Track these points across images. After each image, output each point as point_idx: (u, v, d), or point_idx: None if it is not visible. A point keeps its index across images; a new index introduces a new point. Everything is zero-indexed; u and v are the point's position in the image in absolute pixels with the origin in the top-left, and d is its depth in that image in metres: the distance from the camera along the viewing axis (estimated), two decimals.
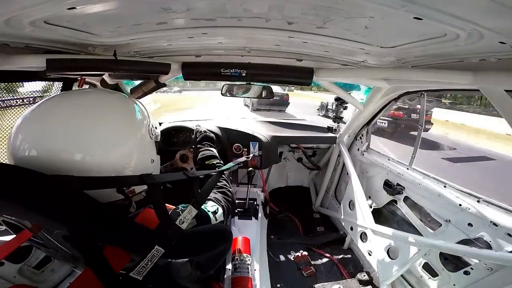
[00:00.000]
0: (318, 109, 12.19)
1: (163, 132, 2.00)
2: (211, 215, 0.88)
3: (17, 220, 0.70)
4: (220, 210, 0.93)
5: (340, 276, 1.97)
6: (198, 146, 1.36)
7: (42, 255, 1.43)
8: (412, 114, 8.03)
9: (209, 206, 0.90)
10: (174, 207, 0.81)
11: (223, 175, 1.13)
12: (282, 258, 2.13)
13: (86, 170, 0.67)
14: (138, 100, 0.92)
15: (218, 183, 1.08)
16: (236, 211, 2.13)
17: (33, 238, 0.75)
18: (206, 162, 1.24)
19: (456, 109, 13.44)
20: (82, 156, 0.67)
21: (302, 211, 2.88)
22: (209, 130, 1.49)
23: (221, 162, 1.29)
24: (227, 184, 1.12)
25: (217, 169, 1.17)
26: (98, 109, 0.74)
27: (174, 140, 2.06)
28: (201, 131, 1.47)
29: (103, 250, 0.61)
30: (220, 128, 2.31)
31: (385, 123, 8.03)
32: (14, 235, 0.76)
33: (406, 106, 7.98)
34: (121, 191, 0.74)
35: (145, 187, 0.81)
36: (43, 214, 0.59)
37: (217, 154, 1.34)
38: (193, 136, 1.47)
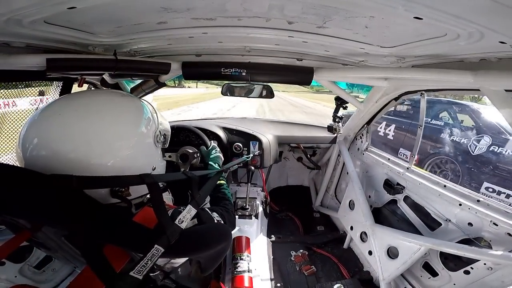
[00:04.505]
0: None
1: None
2: (215, 220, 0.90)
3: (17, 220, 0.70)
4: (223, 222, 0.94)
5: (340, 275, 1.97)
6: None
7: (43, 254, 1.43)
8: None
9: (216, 216, 0.91)
10: (175, 206, 0.81)
11: (226, 192, 1.16)
12: (282, 257, 2.13)
13: (90, 171, 0.67)
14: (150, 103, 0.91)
15: (223, 201, 1.11)
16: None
17: (33, 238, 0.75)
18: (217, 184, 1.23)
19: None
20: (86, 157, 0.68)
21: (302, 210, 2.88)
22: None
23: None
24: (230, 202, 1.13)
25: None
26: (104, 111, 0.75)
27: (174, 140, 2.06)
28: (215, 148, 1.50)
29: (103, 249, 0.61)
30: (220, 127, 2.31)
31: None
32: (14, 235, 0.76)
33: None
34: (116, 194, 0.74)
35: (142, 192, 0.81)
36: (44, 213, 0.59)
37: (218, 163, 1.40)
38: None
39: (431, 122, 4.81)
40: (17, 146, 0.72)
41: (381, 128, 5.64)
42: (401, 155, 5.02)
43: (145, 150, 0.81)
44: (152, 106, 0.90)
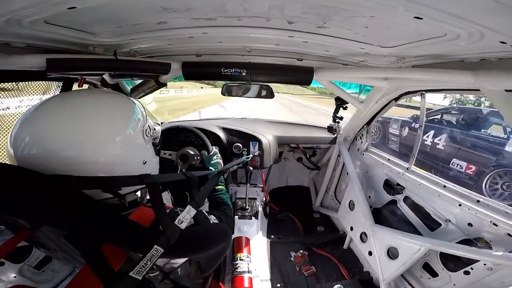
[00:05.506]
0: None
1: (163, 131, 2.00)
2: (211, 222, 0.89)
3: (17, 220, 0.70)
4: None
5: (340, 276, 1.97)
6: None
7: (42, 255, 1.43)
8: None
9: (212, 219, 0.91)
10: (172, 207, 0.81)
11: (225, 197, 1.16)
12: (282, 257, 2.13)
13: (82, 169, 0.67)
14: (138, 100, 0.92)
15: (222, 206, 1.11)
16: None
17: (32, 238, 0.75)
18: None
19: None
20: (77, 155, 0.68)
21: (302, 210, 2.88)
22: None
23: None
24: (230, 207, 1.13)
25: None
26: (94, 110, 0.74)
27: (174, 140, 2.06)
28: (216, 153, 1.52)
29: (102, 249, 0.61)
30: (220, 128, 2.31)
31: None
32: (13, 235, 0.76)
33: None
34: (109, 189, 0.73)
35: (133, 187, 0.81)
36: (44, 213, 0.59)
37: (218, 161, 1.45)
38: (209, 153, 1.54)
39: (491, 134, 4.71)
40: (8, 144, 0.71)
41: (427, 137, 5.47)
42: (454, 165, 4.75)
43: (135, 146, 0.81)
44: (141, 104, 0.90)
